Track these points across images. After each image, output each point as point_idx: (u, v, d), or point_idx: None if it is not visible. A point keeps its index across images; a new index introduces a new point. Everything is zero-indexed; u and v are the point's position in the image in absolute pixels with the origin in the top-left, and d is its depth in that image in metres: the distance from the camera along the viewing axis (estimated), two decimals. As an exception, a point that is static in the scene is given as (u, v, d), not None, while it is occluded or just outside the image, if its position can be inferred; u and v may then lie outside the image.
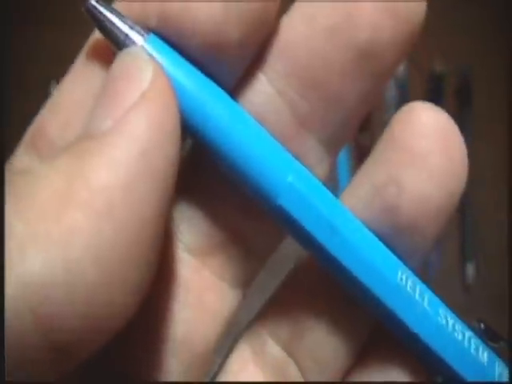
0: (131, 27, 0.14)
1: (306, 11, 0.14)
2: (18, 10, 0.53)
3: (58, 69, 0.61)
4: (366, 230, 0.15)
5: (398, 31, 0.14)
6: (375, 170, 0.15)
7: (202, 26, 0.13)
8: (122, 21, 0.14)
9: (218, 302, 0.16)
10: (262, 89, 0.15)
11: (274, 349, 0.17)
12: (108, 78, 0.13)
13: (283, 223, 0.15)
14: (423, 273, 0.52)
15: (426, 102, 0.14)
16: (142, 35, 0.14)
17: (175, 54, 0.14)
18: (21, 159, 0.15)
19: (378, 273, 0.14)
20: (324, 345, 0.16)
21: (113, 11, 0.14)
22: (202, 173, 0.16)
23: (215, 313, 0.16)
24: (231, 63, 0.14)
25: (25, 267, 0.10)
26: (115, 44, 0.14)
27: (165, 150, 0.12)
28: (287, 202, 0.14)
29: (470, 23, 0.54)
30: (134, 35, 0.14)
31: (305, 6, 0.14)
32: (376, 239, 0.15)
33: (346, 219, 0.15)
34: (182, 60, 0.14)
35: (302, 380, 0.17)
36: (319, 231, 0.14)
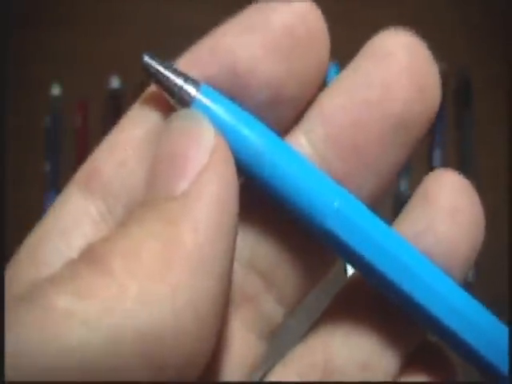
0: (185, 79, 0.15)
1: (345, 85, 0.16)
2: (18, 11, 0.53)
3: (58, 69, 0.61)
4: (410, 246, 0.16)
5: (425, 104, 0.16)
6: (414, 220, 0.17)
7: (267, 81, 0.15)
8: (176, 74, 0.15)
9: (244, 353, 0.17)
10: (303, 149, 0.16)
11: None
12: (173, 140, 0.14)
13: (332, 245, 0.16)
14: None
15: (450, 169, 0.17)
16: (196, 86, 0.15)
17: (227, 100, 0.15)
18: (73, 198, 0.16)
19: (430, 287, 0.16)
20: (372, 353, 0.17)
21: (167, 65, 0.15)
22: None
23: (241, 363, 0.17)
24: (283, 116, 0.16)
25: (141, 321, 0.12)
26: (171, 95, 0.15)
27: (234, 204, 0.14)
28: (335, 226, 0.15)
29: (469, 23, 0.54)
30: (188, 87, 0.15)
31: (344, 79, 0.16)
32: (422, 255, 0.16)
33: (392, 238, 0.16)
34: (233, 105, 0.15)
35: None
36: (367, 251, 0.16)
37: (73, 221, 0.16)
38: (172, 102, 0.15)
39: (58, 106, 0.51)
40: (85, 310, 0.12)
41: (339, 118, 0.16)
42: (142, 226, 0.13)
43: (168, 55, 0.56)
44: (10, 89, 0.49)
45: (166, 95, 0.15)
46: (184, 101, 0.15)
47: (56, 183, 0.50)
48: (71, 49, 0.53)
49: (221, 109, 0.15)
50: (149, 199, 0.14)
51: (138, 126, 0.16)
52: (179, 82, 0.15)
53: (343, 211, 0.15)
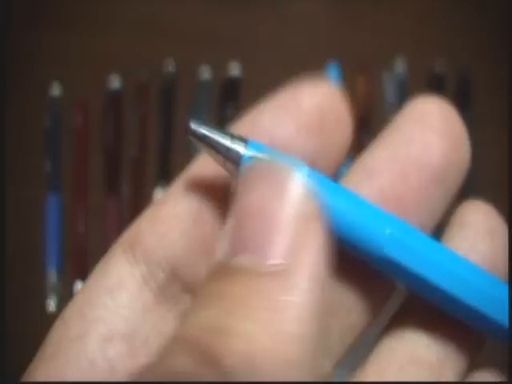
0: (232, 139, 0.16)
1: (387, 142, 0.18)
2: (18, 10, 0.53)
3: (58, 69, 0.61)
4: (463, 259, 0.17)
5: (458, 161, 0.18)
6: (457, 244, 0.18)
7: (301, 155, 0.16)
8: (222, 135, 0.16)
9: None
10: None
11: None
12: (261, 199, 0.14)
13: (390, 270, 0.17)
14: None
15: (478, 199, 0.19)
16: (243, 143, 0.16)
17: (275, 152, 0.16)
18: (117, 261, 0.17)
19: (490, 296, 0.17)
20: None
21: (212, 128, 0.16)
22: None
23: None
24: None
25: None
26: (220, 155, 0.16)
27: (328, 276, 0.14)
28: (390, 250, 0.16)
29: (469, 23, 0.54)
30: (235, 146, 0.16)
31: (386, 138, 0.18)
32: (475, 266, 0.17)
33: (445, 253, 0.17)
34: (281, 154, 0.16)
35: None
36: (423, 268, 0.16)
37: (118, 280, 0.17)
38: (222, 163, 0.16)
39: (58, 106, 0.51)
40: None
41: (383, 171, 0.17)
42: (252, 320, 0.13)
43: (168, 55, 0.55)
44: (10, 89, 0.49)
45: (216, 157, 0.16)
46: (234, 160, 0.16)
47: (56, 183, 0.50)
48: (71, 49, 0.53)
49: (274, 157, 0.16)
50: (241, 267, 0.14)
51: (180, 199, 0.17)
52: (227, 141, 0.16)
53: (396, 236, 0.16)
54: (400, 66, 0.52)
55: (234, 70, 0.52)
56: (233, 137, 0.16)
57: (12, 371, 0.43)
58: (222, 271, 0.14)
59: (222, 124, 0.53)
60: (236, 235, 0.14)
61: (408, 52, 0.53)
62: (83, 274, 0.48)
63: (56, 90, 0.51)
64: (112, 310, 0.16)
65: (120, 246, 0.17)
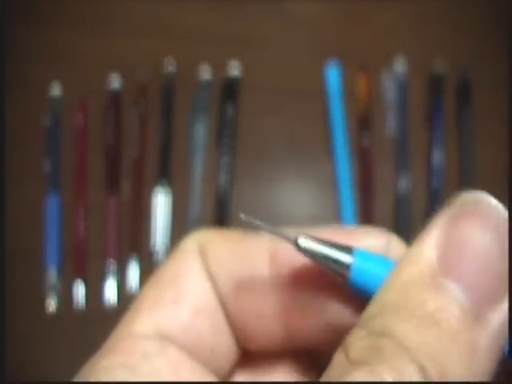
0: (338, 249, 0.17)
1: None
2: (18, 10, 0.53)
3: (58, 69, 0.61)
4: None
5: None
6: None
7: None
8: (329, 247, 0.17)
9: None
10: None
11: None
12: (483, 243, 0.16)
13: None
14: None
15: None
16: (350, 254, 0.17)
17: (383, 259, 0.17)
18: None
19: None
20: None
21: (320, 241, 0.17)
22: None
23: None
24: None
25: None
26: (329, 266, 0.17)
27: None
28: None
29: (469, 23, 0.54)
30: (343, 257, 0.17)
31: None
32: None
33: None
34: (391, 262, 0.17)
35: None
36: None
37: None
38: (331, 273, 0.17)
39: (58, 106, 0.51)
40: None
41: None
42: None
43: (167, 54, 0.55)
44: (10, 89, 0.49)
45: (324, 268, 0.17)
46: (342, 270, 0.17)
47: (56, 183, 0.50)
48: (71, 48, 0.53)
49: (380, 270, 0.17)
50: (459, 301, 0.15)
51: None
52: (334, 253, 0.17)
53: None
54: (400, 66, 0.52)
55: (234, 69, 0.52)
56: (339, 247, 0.17)
57: (12, 371, 0.43)
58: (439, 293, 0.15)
59: (221, 124, 0.53)
60: (451, 264, 0.15)
61: (408, 52, 0.53)
62: (83, 274, 0.48)
63: (56, 90, 0.51)
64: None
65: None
